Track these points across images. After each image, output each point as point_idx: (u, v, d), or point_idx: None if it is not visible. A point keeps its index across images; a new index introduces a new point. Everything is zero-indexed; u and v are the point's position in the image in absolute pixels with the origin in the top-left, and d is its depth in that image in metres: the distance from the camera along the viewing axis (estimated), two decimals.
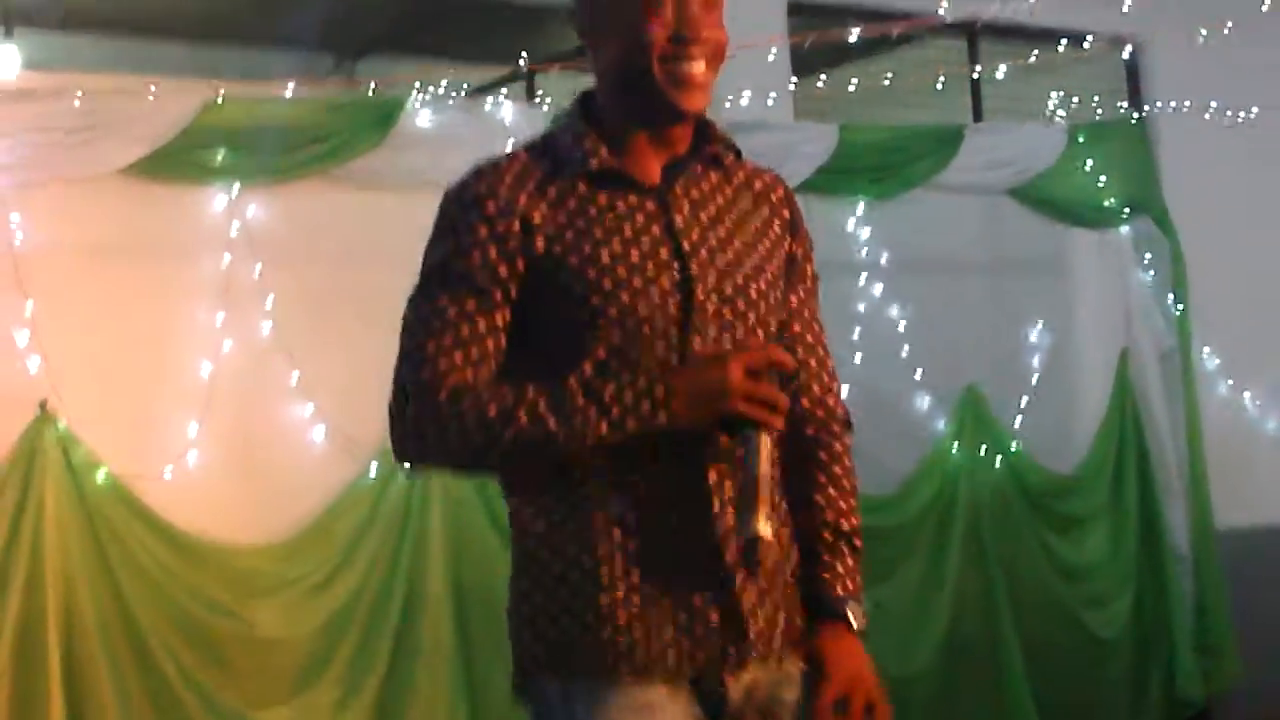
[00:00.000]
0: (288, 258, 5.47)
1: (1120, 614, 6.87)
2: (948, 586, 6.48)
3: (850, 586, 2.36)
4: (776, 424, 2.16)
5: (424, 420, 2.18)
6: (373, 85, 6.13)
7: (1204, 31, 6.84)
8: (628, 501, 2.19)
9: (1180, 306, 7.12)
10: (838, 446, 2.47)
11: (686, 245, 2.24)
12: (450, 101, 6.15)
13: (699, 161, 2.31)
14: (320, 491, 5.47)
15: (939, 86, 7.14)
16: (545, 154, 2.29)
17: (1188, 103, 7.24)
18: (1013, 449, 6.75)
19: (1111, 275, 7.15)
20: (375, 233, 5.53)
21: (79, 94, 5.17)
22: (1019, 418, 6.82)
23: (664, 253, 2.23)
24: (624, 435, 2.13)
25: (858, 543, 2.42)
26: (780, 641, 2.27)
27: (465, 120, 5.98)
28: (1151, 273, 7.17)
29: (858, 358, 6.46)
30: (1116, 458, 6.97)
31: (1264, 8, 6.63)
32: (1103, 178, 7.05)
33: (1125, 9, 6.81)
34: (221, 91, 5.37)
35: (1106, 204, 7.08)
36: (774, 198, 2.41)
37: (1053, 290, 7.08)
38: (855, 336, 6.52)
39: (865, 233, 6.65)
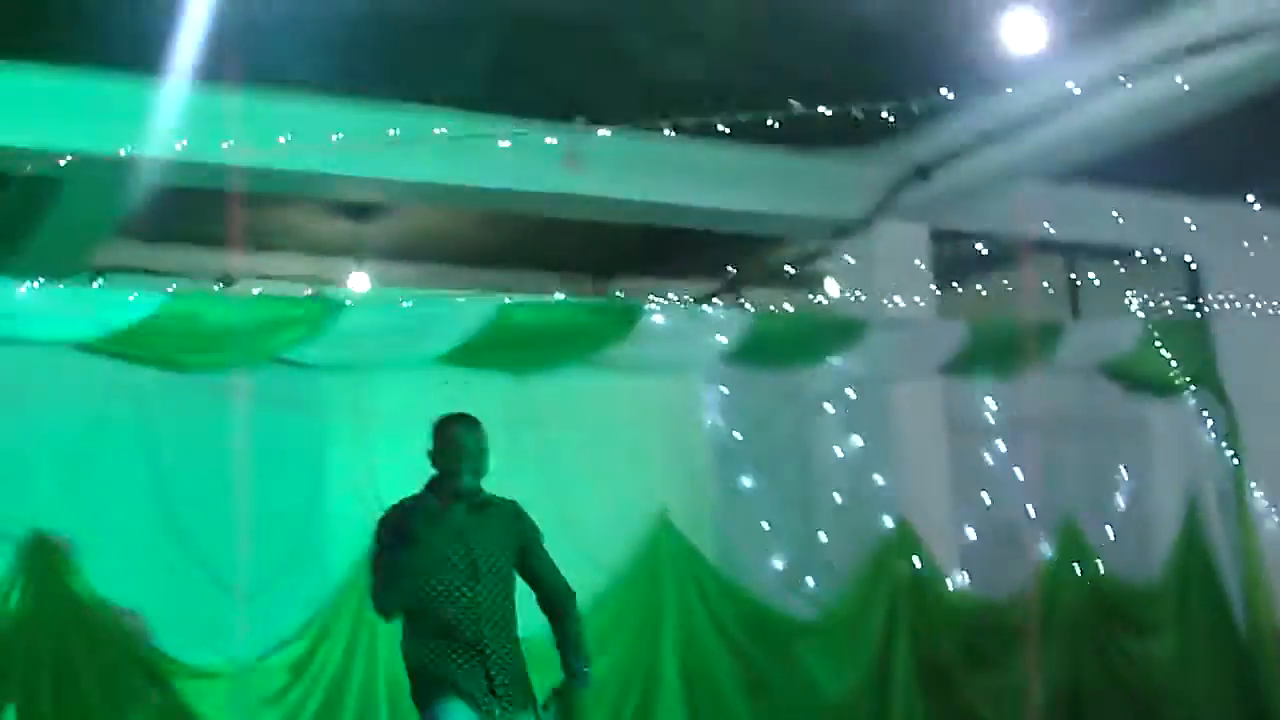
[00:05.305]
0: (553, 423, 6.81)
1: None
2: (1051, 667, 7.69)
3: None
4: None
5: None
6: (620, 295, 7.52)
7: (1248, 246, 8.09)
8: None
9: (1236, 460, 8.35)
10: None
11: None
12: (680, 305, 7.32)
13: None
14: None
15: (1048, 290, 8.45)
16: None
17: (1237, 302, 8.48)
18: (1100, 569, 8.03)
19: (1181, 433, 8.38)
20: (618, 406, 6.98)
21: (407, 303, 6.52)
22: (1105, 545, 8.09)
23: None
24: None
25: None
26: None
27: (688, 320, 7.23)
28: (1212, 433, 8.39)
29: (986, 499, 7.86)
30: (1183, 576, 8.16)
31: None
32: (1173, 361, 8.29)
33: (1192, 228, 8.08)
34: (508, 300, 6.63)
35: (1176, 380, 8.33)
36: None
37: (1134, 445, 8.30)
38: (983, 482, 7.91)
39: (990, 402, 8.05)
